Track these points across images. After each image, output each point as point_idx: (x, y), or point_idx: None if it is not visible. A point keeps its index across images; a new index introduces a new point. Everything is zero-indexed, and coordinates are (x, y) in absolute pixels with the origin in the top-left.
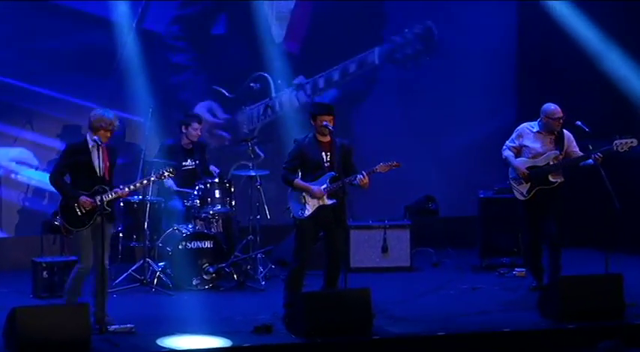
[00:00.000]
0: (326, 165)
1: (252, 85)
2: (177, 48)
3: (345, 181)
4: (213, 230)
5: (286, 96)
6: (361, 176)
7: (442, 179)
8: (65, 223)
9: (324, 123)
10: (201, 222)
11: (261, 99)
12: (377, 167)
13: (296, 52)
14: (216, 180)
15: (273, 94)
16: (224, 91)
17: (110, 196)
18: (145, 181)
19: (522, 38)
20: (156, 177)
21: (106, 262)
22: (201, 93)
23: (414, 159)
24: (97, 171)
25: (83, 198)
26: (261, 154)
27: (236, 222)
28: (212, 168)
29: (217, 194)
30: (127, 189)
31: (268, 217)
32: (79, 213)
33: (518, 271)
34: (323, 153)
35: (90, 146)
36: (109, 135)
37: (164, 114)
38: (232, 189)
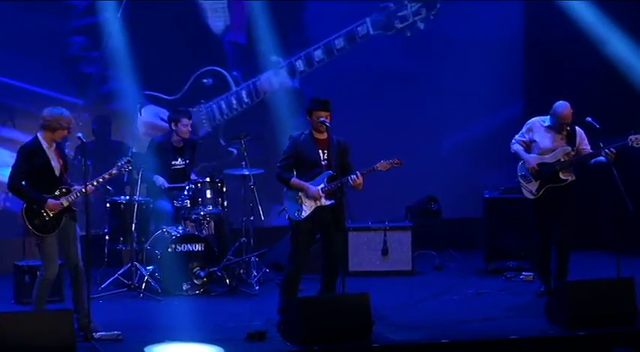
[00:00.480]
0: (323, 163)
1: (204, 81)
2: (90, 58)
3: (343, 181)
4: (204, 232)
5: (260, 83)
6: (354, 176)
7: (445, 178)
8: (33, 229)
9: (321, 119)
10: (192, 224)
11: (219, 95)
12: (377, 165)
13: (243, 41)
14: (208, 179)
15: (233, 87)
16: (161, 95)
17: (76, 195)
18: (106, 176)
19: (530, 30)
20: (117, 170)
21: (80, 264)
22: (136, 102)
23: (416, 157)
24: (55, 171)
25: (52, 202)
26: (233, 151)
27: (228, 224)
28: (192, 175)
29: (208, 194)
30: (90, 185)
31: (262, 218)
32: (46, 217)
33: (526, 275)
34: (320, 151)
35: (45, 146)
36: (66, 134)
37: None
38: (224, 189)
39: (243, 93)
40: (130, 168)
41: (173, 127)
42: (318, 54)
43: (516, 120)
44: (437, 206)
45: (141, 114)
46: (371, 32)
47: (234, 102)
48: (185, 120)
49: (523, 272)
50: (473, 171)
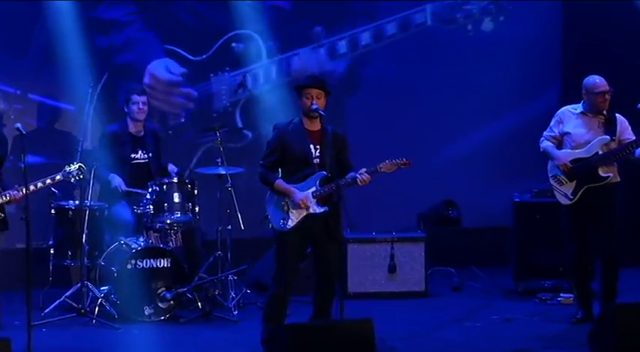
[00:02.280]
0: (315, 161)
1: (233, 44)
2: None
3: (340, 183)
4: (171, 244)
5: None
6: (361, 176)
7: (465, 179)
8: None
9: (313, 106)
10: (156, 235)
11: (248, 64)
12: (381, 165)
13: (286, 6)
14: (175, 180)
15: (264, 59)
16: (184, 53)
17: (4, 198)
18: (48, 181)
19: (568, 13)
20: (62, 177)
21: None
22: (151, 56)
23: (430, 155)
24: None
25: None
26: (249, 134)
27: (200, 235)
28: (170, 166)
29: (176, 198)
30: (24, 190)
31: (242, 228)
32: None
33: (565, 297)
34: (311, 146)
35: None
36: None
37: (111, 97)
38: (195, 192)
39: (273, 69)
40: (82, 176)
41: (126, 110)
42: (364, 37)
43: (552, 112)
44: (455, 212)
45: (93, 103)
46: (428, 22)
47: (262, 77)
48: (135, 97)
49: (561, 294)
50: (499, 171)
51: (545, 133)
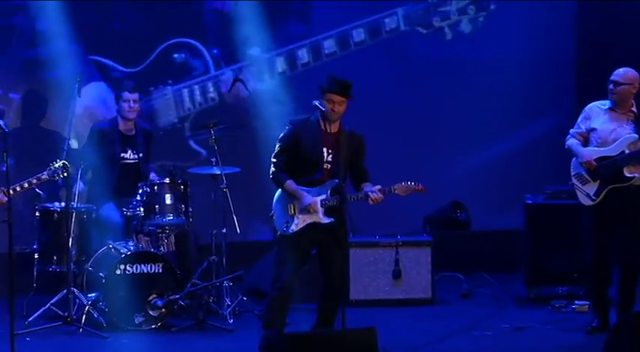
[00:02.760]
0: (325, 166)
1: (175, 56)
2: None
3: (352, 198)
4: (162, 249)
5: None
6: (373, 194)
7: (475, 180)
8: None
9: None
10: (147, 238)
11: (193, 76)
12: (395, 187)
13: (228, 9)
14: (167, 180)
15: (212, 70)
16: (114, 64)
17: None
18: (33, 181)
19: (583, 20)
20: (48, 175)
21: None
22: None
23: (438, 155)
24: None
25: None
26: (202, 151)
27: (194, 238)
28: (152, 175)
29: (168, 199)
30: (9, 191)
31: (238, 231)
32: None
33: (580, 304)
34: (324, 149)
35: None
36: None
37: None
38: (188, 193)
39: (222, 80)
40: (66, 174)
41: (116, 107)
42: (328, 44)
43: (567, 114)
44: (464, 215)
45: (79, 96)
46: (402, 28)
47: (212, 89)
48: (126, 94)
49: (576, 301)
50: (511, 171)
51: (571, 130)
